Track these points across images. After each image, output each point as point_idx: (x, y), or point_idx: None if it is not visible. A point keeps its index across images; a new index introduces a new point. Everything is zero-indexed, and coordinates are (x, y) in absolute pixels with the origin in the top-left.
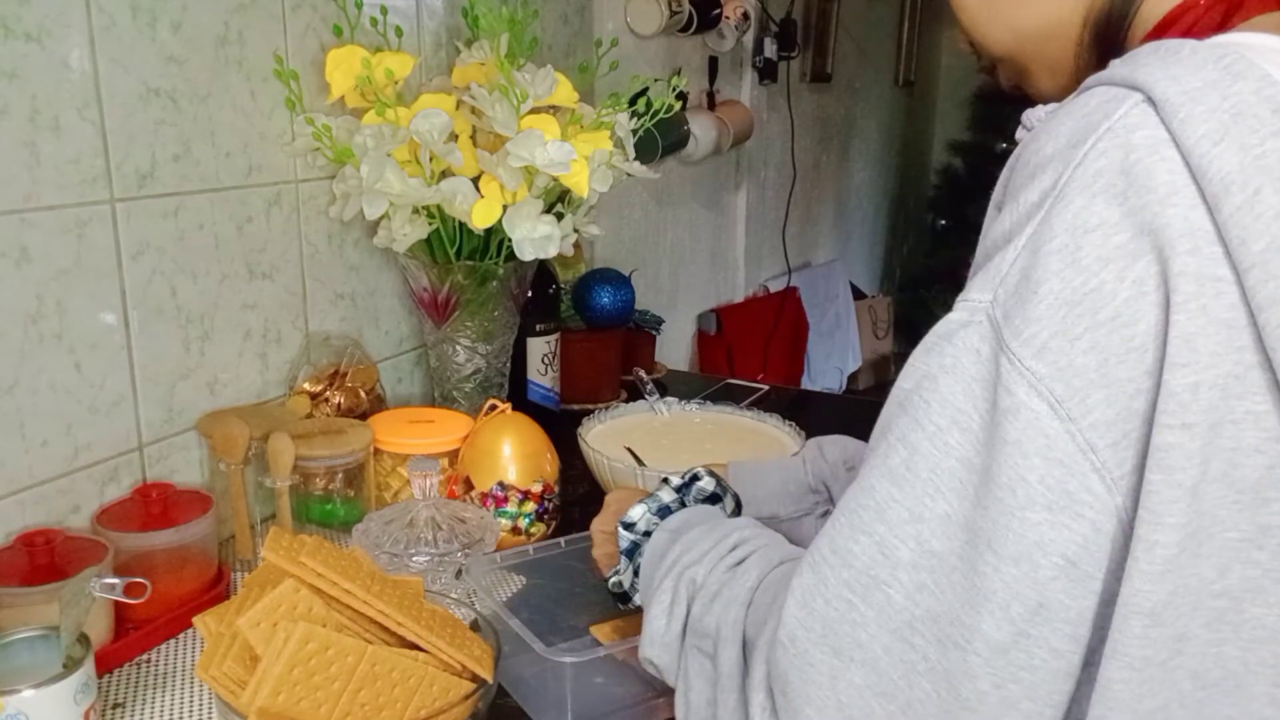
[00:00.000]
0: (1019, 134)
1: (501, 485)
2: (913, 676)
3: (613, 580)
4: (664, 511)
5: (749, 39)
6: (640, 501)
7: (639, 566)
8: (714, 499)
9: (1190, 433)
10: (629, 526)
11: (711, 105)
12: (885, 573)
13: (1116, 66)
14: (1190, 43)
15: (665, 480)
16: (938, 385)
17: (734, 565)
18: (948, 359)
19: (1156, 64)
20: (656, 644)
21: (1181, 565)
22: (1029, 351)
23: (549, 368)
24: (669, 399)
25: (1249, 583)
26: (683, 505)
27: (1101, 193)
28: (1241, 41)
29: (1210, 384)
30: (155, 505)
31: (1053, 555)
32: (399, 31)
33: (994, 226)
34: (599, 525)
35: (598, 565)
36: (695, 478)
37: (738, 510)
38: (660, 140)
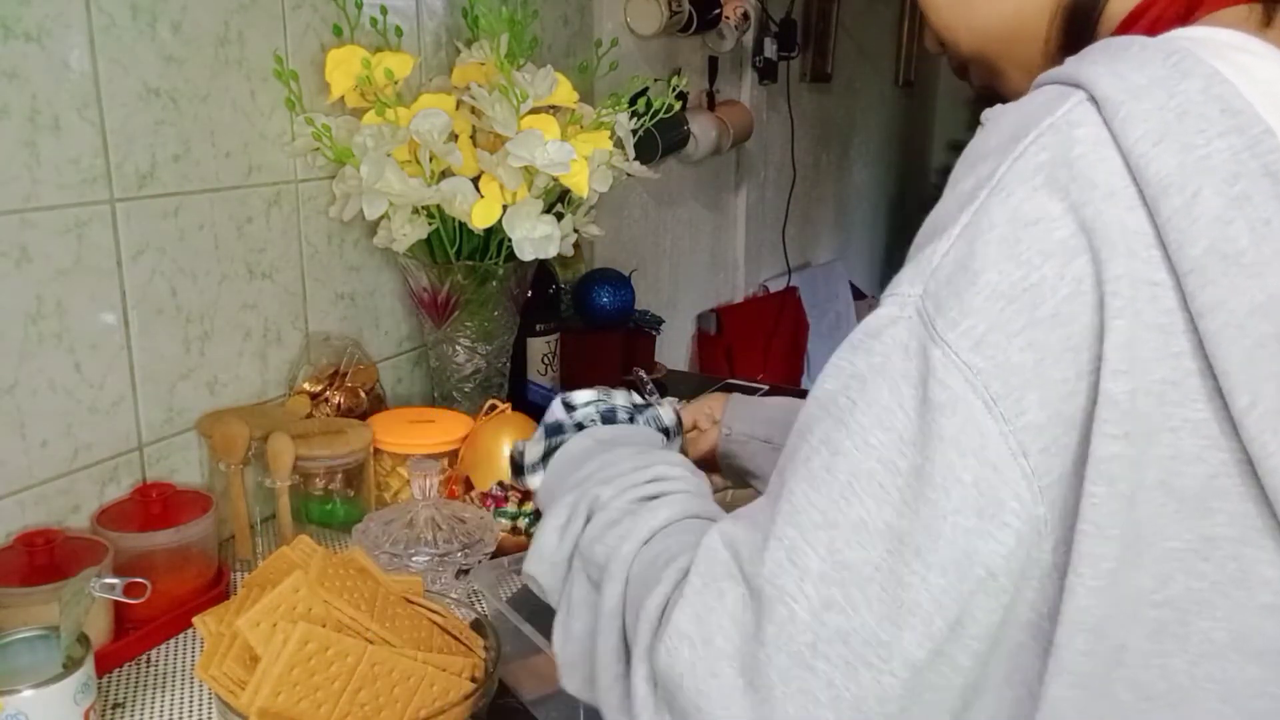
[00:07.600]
0: (978, 131)
1: (501, 485)
2: (813, 708)
3: (519, 449)
4: (609, 414)
5: (749, 39)
6: (594, 389)
7: (552, 448)
8: (665, 433)
9: (1129, 442)
10: (569, 407)
11: (711, 105)
12: (791, 583)
13: (1067, 63)
14: (1140, 39)
15: (633, 388)
16: (865, 385)
17: (645, 498)
18: (876, 357)
19: (1103, 61)
20: (545, 561)
21: (1120, 578)
22: (966, 344)
23: (549, 368)
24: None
25: (1194, 594)
26: (631, 421)
27: (1043, 186)
28: (1197, 36)
29: (1146, 390)
30: (155, 505)
31: (977, 566)
32: (399, 31)
33: (929, 217)
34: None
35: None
36: (656, 409)
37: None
38: (660, 140)
